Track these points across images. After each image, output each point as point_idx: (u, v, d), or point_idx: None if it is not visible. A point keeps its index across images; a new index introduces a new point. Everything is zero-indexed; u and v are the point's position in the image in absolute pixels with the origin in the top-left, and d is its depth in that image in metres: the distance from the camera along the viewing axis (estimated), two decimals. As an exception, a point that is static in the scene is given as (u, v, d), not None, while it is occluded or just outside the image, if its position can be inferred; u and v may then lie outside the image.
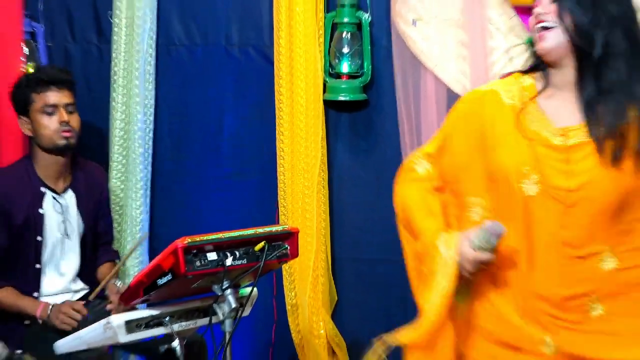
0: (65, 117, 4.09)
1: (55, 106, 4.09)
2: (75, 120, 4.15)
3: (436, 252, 2.78)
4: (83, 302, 3.98)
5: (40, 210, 4.10)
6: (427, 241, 2.83)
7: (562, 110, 2.78)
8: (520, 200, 2.70)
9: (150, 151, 4.68)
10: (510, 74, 2.95)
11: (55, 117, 4.08)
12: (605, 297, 2.71)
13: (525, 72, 2.89)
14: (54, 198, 4.14)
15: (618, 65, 2.69)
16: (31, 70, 4.56)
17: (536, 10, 2.79)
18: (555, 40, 2.75)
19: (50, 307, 3.94)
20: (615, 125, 2.66)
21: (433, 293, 2.75)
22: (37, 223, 4.08)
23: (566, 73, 2.77)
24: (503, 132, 2.79)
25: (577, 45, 2.72)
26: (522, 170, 2.71)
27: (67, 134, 4.09)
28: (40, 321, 3.93)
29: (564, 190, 2.67)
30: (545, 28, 2.74)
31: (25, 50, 4.63)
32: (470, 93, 3.02)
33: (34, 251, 4.08)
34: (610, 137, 2.66)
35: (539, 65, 2.84)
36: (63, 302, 3.98)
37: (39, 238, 4.08)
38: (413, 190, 2.94)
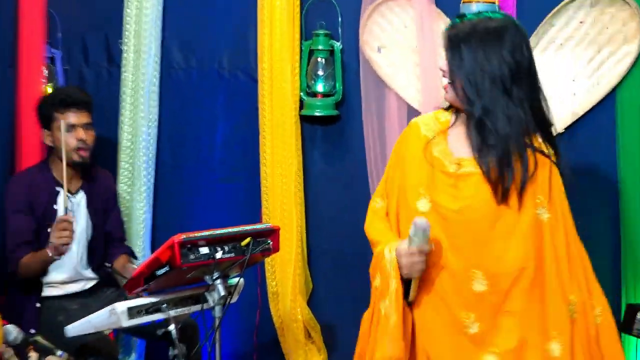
0: (82, 135, 4.07)
1: (74, 125, 4.07)
2: (90, 137, 4.12)
3: (383, 258, 2.80)
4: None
5: (55, 206, 4.08)
6: (377, 252, 2.87)
7: (461, 143, 2.82)
8: (416, 214, 2.74)
9: (154, 160, 4.66)
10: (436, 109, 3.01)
11: (73, 134, 4.06)
12: (479, 317, 2.73)
13: (446, 108, 2.93)
14: (68, 197, 4.06)
15: (498, 123, 2.70)
16: (50, 90, 4.58)
17: (440, 65, 2.90)
18: (451, 94, 2.82)
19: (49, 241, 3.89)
20: (499, 170, 2.70)
21: (387, 297, 2.78)
22: (51, 217, 4.04)
23: (464, 116, 2.82)
24: (413, 158, 2.87)
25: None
26: (418, 191, 2.80)
27: (83, 153, 4.08)
28: (53, 258, 3.88)
29: (450, 210, 2.74)
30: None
31: (46, 72, 4.63)
32: (405, 128, 3.01)
33: (45, 241, 3.99)
34: (497, 177, 2.71)
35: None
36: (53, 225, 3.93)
37: (49, 230, 3.99)
38: (374, 221, 2.98)
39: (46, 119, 4.10)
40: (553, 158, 2.76)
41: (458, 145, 2.82)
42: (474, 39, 2.74)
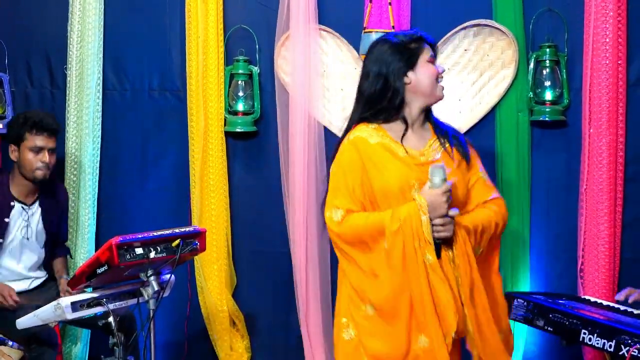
0: (47, 158, 4.03)
1: (42, 148, 4.03)
2: (53, 159, 4.09)
3: (410, 206, 2.83)
4: (17, 297, 3.91)
5: (6, 219, 4.03)
6: (398, 211, 2.85)
7: (413, 140, 2.99)
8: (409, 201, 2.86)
9: (97, 173, 4.63)
10: (357, 124, 3.03)
11: (39, 156, 4.02)
12: None
13: (369, 121, 3.01)
14: (23, 208, 4.07)
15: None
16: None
17: (440, 68, 3.04)
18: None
19: None
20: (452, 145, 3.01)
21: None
22: (2, 229, 4.02)
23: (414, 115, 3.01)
24: (382, 161, 2.93)
25: None
26: (410, 183, 2.88)
27: (44, 173, 4.05)
28: None
29: None
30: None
31: None
32: (345, 145, 3.00)
33: None
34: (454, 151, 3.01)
35: (378, 115, 3.00)
36: (2, 284, 3.93)
37: (0, 240, 4.01)
38: (352, 217, 2.92)
39: (16, 137, 4.04)
40: None
41: (411, 141, 2.98)
42: None
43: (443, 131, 3.08)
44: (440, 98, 3.05)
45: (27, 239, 4.08)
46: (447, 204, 2.82)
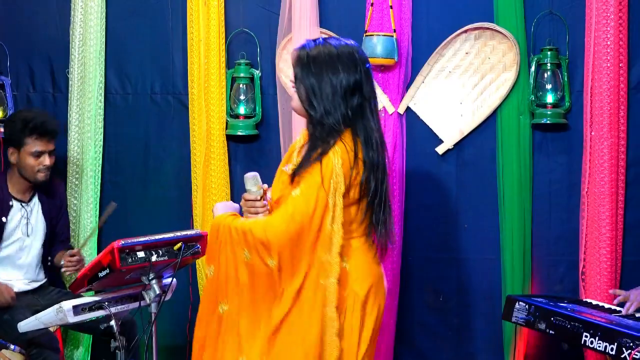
0: (48, 161, 4.06)
1: (42, 152, 4.05)
2: (52, 160, 4.11)
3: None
4: (14, 295, 3.93)
5: (4, 219, 4.05)
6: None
7: None
8: None
9: (99, 175, 4.64)
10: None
11: (40, 159, 4.04)
12: None
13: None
14: (22, 206, 4.09)
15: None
16: (0, 113, 4.53)
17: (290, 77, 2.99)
18: (296, 102, 2.95)
19: None
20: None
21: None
22: (0, 228, 4.03)
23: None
24: None
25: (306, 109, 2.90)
26: None
27: (46, 174, 4.08)
28: None
29: None
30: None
31: None
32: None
33: None
34: None
35: None
36: (3, 284, 3.93)
37: None
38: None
39: (15, 141, 4.04)
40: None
41: None
42: (320, 59, 2.90)
43: None
44: None
45: (28, 235, 4.09)
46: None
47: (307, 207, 2.77)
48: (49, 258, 4.24)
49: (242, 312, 2.89)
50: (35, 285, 4.17)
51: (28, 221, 4.10)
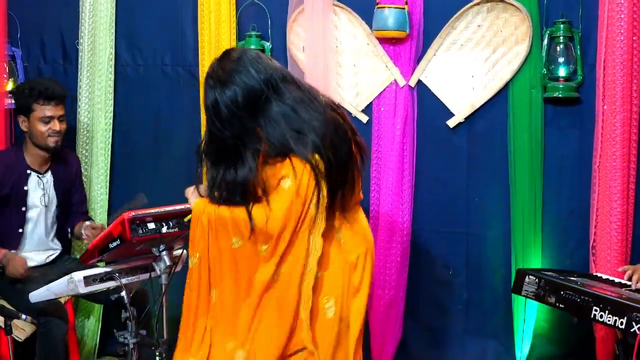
0: (57, 127, 4.09)
1: (51, 117, 4.08)
2: (63, 127, 4.14)
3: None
4: (28, 267, 3.96)
5: (25, 187, 4.09)
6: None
7: None
8: None
9: (109, 147, 4.66)
10: None
11: (49, 125, 4.07)
12: None
13: None
14: (38, 177, 4.13)
15: None
16: (11, 84, 4.58)
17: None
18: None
19: (6, 255, 3.94)
20: None
21: None
22: (22, 197, 4.08)
23: None
24: None
25: None
26: None
27: (56, 141, 4.10)
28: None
29: None
30: None
31: (7, 69, 4.61)
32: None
33: (19, 218, 4.07)
34: None
35: None
36: (18, 256, 3.97)
37: (23, 208, 4.07)
38: None
39: (24, 108, 4.08)
40: None
41: None
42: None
43: None
44: None
45: (47, 207, 4.15)
46: None
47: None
48: (69, 229, 4.28)
49: (228, 294, 2.88)
50: (51, 254, 4.22)
51: (45, 192, 4.13)
